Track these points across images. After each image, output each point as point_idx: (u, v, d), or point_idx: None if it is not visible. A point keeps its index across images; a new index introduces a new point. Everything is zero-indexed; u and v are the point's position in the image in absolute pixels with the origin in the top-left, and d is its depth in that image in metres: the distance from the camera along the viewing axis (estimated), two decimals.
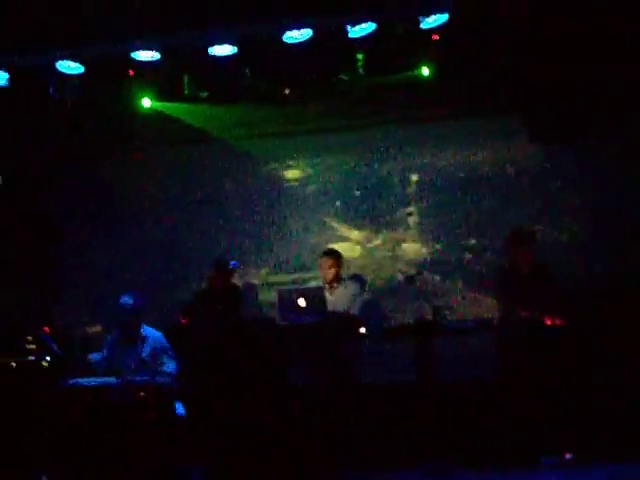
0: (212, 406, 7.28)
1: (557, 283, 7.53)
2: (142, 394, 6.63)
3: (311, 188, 9.58)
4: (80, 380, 6.83)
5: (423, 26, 7.39)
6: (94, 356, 7.35)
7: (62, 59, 7.72)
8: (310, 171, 9.60)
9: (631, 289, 7.98)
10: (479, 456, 6.97)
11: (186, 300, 8.45)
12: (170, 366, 7.13)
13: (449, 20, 7.32)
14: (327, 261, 8.03)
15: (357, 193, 9.44)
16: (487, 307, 8.41)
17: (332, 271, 7.98)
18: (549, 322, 7.22)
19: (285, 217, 9.58)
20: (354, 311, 7.82)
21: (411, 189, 9.29)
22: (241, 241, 9.54)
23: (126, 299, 7.26)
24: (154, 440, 6.53)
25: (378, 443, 7.30)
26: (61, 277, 9.84)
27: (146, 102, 8.84)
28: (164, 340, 7.29)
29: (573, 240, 8.81)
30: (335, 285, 7.99)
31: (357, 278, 8.30)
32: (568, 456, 6.92)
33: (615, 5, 7.16)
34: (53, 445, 6.60)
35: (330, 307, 7.57)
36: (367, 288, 8.37)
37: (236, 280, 8.51)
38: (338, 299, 7.87)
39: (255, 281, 9.45)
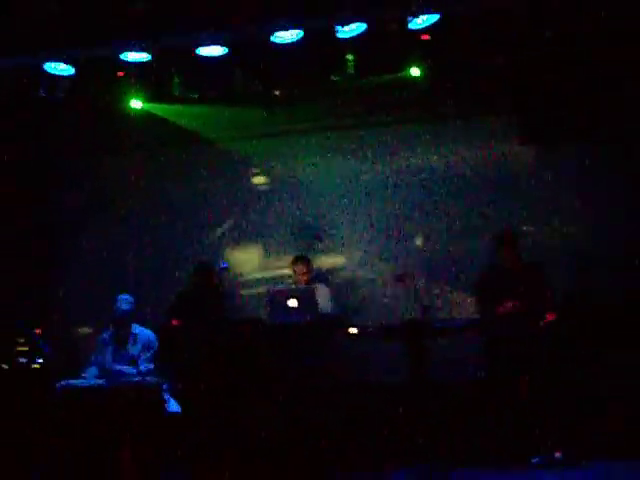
0: (205, 405, 7.31)
1: (547, 282, 7.57)
2: (133, 395, 6.68)
3: (302, 188, 9.56)
4: (72, 382, 6.87)
5: (411, 27, 7.39)
6: (89, 372, 7.39)
7: (51, 60, 7.72)
8: (301, 171, 9.58)
9: (618, 288, 8.08)
10: (469, 456, 7.00)
11: (173, 300, 8.47)
12: (144, 366, 7.19)
13: (439, 21, 7.31)
14: (301, 266, 8.40)
15: (347, 193, 9.43)
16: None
17: (305, 276, 8.37)
18: (550, 317, 7.25)
19: (276, 216, 9.58)
20: (327, 311, 8.08)
21: (401, 189, 9.28)
22: (230, 242, 9.58)
23: (123, 299, 7.35)
24: (146, 440, 6.57)
25: (369, 443, 7.33)
26: (53, 279, 9.84)
27: (136, 104, 8.84)
28: (154, 340, 7.37)
29: (562, 241, 8.82)
30: None
31: (322, 277, 8.67)
32: (557, 455, 6.95)
33: (610, 7, 7.14)
34: (46, 446, 6.62)
35: None
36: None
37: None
38: None
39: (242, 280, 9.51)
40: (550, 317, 7.26)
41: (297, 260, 8.49)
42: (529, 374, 7.10)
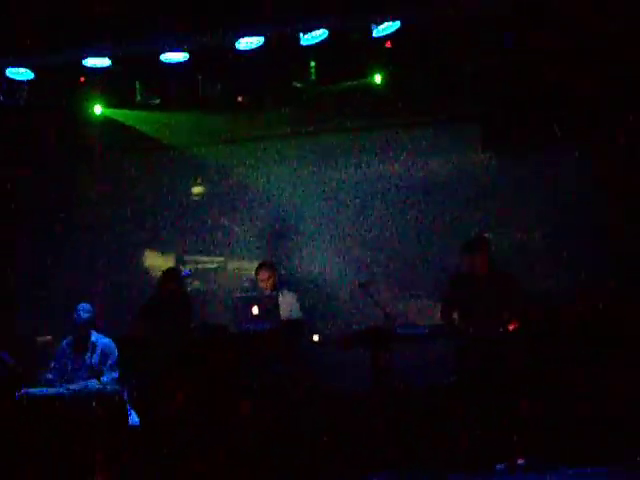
0: (169, 414, 7.28)
1: (517, 288, 7.62)
2: (93, 403, 6.63)
3: (264, 195, 9.52)
4: (32, 390, 6.81)
5: (375, 34, 7.41)
6: (49, 375, 7.33)
7: (11, 65, 7.63)
8: (263, 178, 9.53)
9: (583, 293, 8.15)
10: (432, 462, 7.01)
11: (138, 308, 8.36)
12: (108, 376, 7.13)
13: (400, 28, 7.33)
14: (265, 273, 8.36)
15: (311, 200, 9.40)
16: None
17: (269, 282, 8.30)
18: (513, 326, 7.29)
19: (237, 224, 9.53)
20: (295, 316, 8.12)
21: (365, 196, 9.27)
22: (192, 248, 9.52)
23: (82, 308, 7.32)
24: (108, 449, 6.52)
25: (334, 451, 7.32)
26: (14, 287, 9.73)
27: (97, 109, 8.77)
28: (113, 347, 7.36)
29: (524, 247, 8.87)
30: (273, 294, 8.20)
31: (290, 286, 8.58)
32: (521, 462, 6.97)
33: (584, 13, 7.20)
34: (5, 455, 6.55)
35: None
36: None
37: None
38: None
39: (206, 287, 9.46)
40: (513, 325, 7.31)
41: (260, 267, 8.48)
42: (496, 380, 7.13)
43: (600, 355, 7.26)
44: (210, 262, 9.52)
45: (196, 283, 9.18)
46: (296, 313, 8.16)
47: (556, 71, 7.86)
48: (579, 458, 6.87)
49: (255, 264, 8.70)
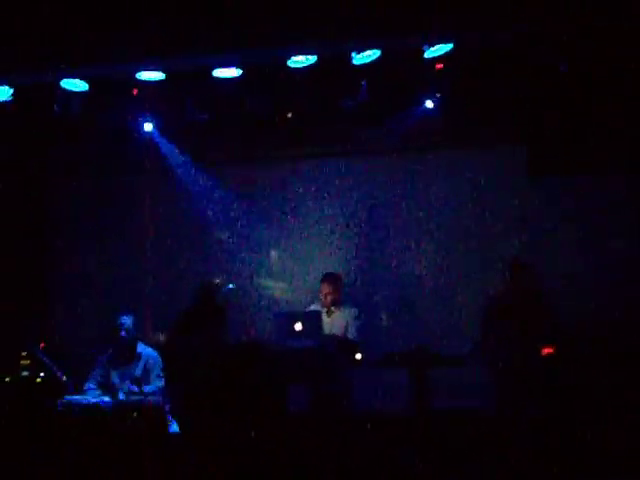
0: (206, 427, 7.26)
1: (553, 313, 7.58)
2: (135, 414, 6.66)
3: (309, 212, 9.52)
4: (74, 398, 6.85)
5: (427, 55, 7.41)
6: (89, 384, 7.38)
7: (68, 77, 7.72)
8: (308, 195, 9.52)
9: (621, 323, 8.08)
10: None
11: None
12: (153, 385, 7.16)
13: (453, 50, 7.33)
14: (326, 286, 8.16)
15: (356, 220, 9.38)
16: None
17: (331, 295, 8.12)
18: (546, 351, 7.25)
19: (276, 239, 9.54)
20: (351, 335, 7.91)
21: (410, 216, 9.26)
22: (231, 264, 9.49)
23: (124, 319, 7.38)
24: (148, 459, 6.53)
25: (369, 472, 7.27)
26: (58, 293, 9.80)
27: (147, 126, 8.85)
28: (158, 359, 7.38)
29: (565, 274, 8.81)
30: (333, 309, 8.06)
31: (354, 303, 8.36)
32: None
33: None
34: (47, 463, 6.58)
35: (327, 330, 7.64)
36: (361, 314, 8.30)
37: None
38: (335, 322, 7.96)
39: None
40: (547, 351, 7.26)
41: (323, 279, 8.30)
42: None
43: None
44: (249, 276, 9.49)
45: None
46: (352, 332, 8.01)
47: (609, 98, 7.82)
48: None
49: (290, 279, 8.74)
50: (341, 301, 8.18)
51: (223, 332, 8.07)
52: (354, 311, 8.13)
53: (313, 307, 8.26)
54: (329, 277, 8.28)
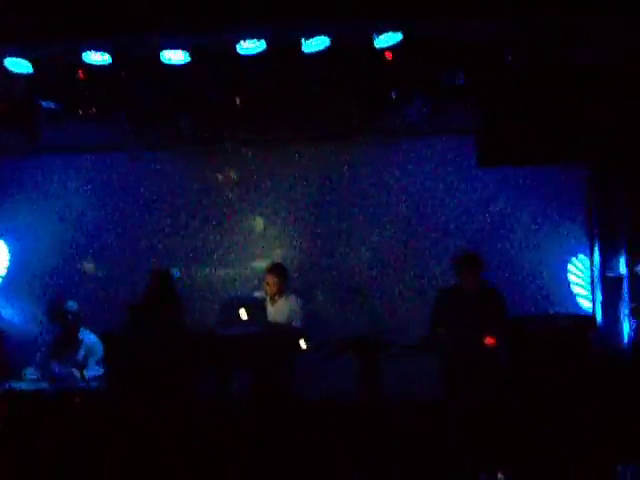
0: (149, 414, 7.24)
1: (501, 305, 7.65)
2: (77, 399, 6.62)
3: (266, 197, 9.47)
4: (14, 384, 6.79)
5: (377, 44, 7.39)
6: (28, 372, 7.32)
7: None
8: (268, 180, 9.46)
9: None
10: (418, 472, 6.98)
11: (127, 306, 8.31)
12: (92, 372, 7.14)
13: (402, 40, 7.31)
14: (272, 277, 8.21)
15: (314, 203, 9.36)
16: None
17: (276, 286, 8.17)
18: (488, 342, 7.31)
19: (234, 224, 9.48)
20: (295, 324, 7.94)
21: (362, 205, 9.28)
22: (184, 250, 9.43)
23: (70, 304, 7.34)
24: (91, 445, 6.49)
25: (313, 459, 7.29)
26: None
27: None
28: (99, 344, 7.35)
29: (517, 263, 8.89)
30: (277, 297, 8.11)
31: (298, 292, 8.39)
32: (501, 476, 6.95)
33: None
34: None
35: (270, 319, 7.67)
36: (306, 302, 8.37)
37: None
38: (279, 311, 7.99)
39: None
40: (489, 340, 7.33)
41: (269, 269, 8.35)
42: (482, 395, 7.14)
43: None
44: (203, 261, 9.44)
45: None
46: (296, 320, 8.03)
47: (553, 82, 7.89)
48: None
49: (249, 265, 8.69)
50: (284, 291, 8.20)
51: (178, 318, 8.02)
52: (299, 301, 8.18)
53: (258, 294, 8.29)
54: (275, 268, 8.34)
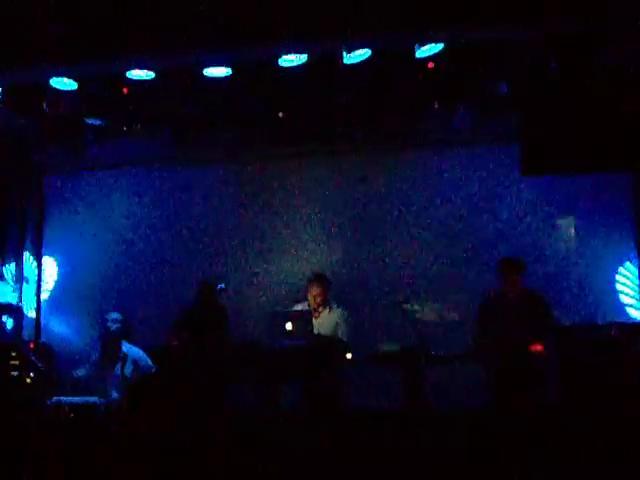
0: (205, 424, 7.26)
1: (547, 311, 7.60)
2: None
3: (302, 210, 9.49)
4: (63, 398, 6.84)
5: (418, 54, 7.38)
6: (79, 371, 7.39)
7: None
8: (302, 193, 9.50)
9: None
10: None
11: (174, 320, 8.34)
12: None
13: (444, 49, 7.31)
14: (315, 288, 8.09)
15: (348, 215, 9.37)
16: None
17: (320, 297, 8.05)
18: (535, 349, 7.25)
19: (272, 239, 9.50)
20: (341, 336, 7.91)
21: (401, 216, 9.26)
22: (226, 262, 9.44)
23: (113, 314, 7.37)
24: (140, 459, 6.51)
25: (360, 470, 7.26)
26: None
27: None
28: (146, 357, 7.37)
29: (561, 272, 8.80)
30: (320, 309, 8.05)
31: (342, 303, 8.29)
32: None
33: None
34: (36, 463, 6.56)
35: (315, 331, 7.64)
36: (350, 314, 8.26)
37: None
38: (323, 323, 7.94)
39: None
40: (536, 347, 7.27)
41: (311, 281, 8.23)
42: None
43: None
44: (244, 276, 9.45)
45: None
46: (342, 331, 7.94)
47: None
48: None
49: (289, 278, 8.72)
50: (328, 302, 8.13)
51: (224, 330, 8.06)
52: (344, 312, 8.09)
53: (300, 307, 8.21)
54: (318, 278, 8.23)
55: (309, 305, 8.10)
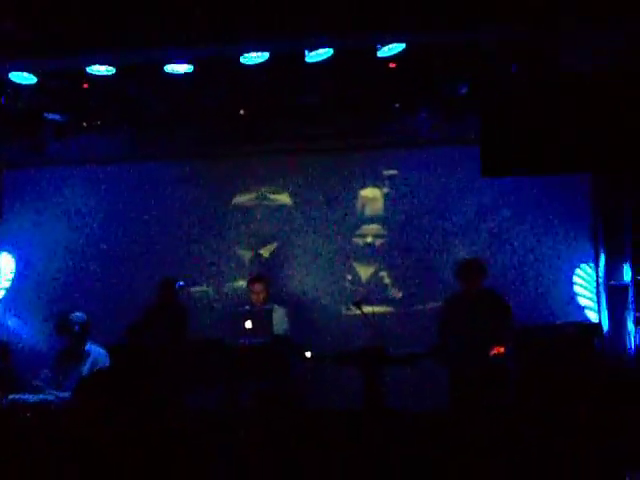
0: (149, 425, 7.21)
1: (506, 313, 7.66)
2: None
3: (263, 210, 9.47)
4: (18, 397, 6.78)
5: (380, 54, 7.40)
6: (37, 381, 7.33)
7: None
8: (264, 191, 9.47)
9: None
10: None
11: (132, 318, 8.29)
12: None
13: (405, 50, 7.33)
14: (258, 285, 8.40)
15: (313, 215, 9.34)
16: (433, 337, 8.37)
17: (261, 295, 8.34)
18: (495, 351, 7.31)
19: (235, 238, 9.46)
20: (281, 332, 8.06)
21: (364, 216, 9.29)
22: (187, 260, 9.38)
23: (77, 315, 7.33)
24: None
25: (317, 469, 7.27)
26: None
27: None
28: (106, 358, 7.32)
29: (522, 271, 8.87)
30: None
31: (282, 302, 8.57)
32: None
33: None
34: None
35: None
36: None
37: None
38: None
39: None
40: (497, 350, 7.33)
41: (253, 279, 8.54)
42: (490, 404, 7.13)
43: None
44: (206, 274, 9.42)
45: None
46: (283, 329, 8.13)
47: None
48: None
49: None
50: (268, 300, 8.39)
51: (183, 328, 8.07)
52: (283, 309, 8.35)
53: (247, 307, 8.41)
54: (259, 277, 8.61)
55: (252, 304, 8.32)
